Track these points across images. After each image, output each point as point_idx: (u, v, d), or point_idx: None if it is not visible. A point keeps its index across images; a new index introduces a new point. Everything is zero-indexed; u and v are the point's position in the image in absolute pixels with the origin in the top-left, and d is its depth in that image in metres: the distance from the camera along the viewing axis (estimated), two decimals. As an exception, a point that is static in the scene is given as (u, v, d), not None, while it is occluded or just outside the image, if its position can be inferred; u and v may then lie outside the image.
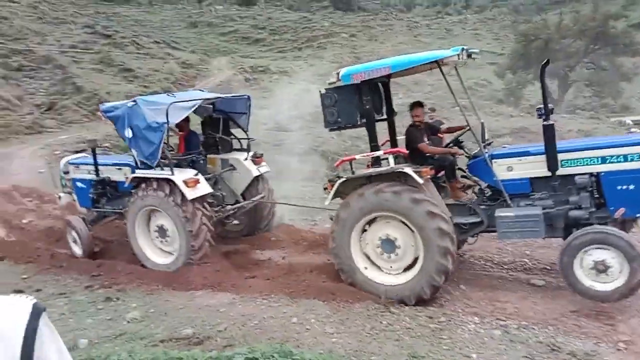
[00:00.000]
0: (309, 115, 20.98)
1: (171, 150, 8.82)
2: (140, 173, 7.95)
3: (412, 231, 6.14)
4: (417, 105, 7.26)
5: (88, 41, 40.03)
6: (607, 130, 21.94)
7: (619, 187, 5.95)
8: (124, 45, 41.50)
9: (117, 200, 8.97)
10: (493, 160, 6.48)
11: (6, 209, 11.81)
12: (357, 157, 6.71)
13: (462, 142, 7.14)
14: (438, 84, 30.13)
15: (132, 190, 8.10)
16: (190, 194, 7.50)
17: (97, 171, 8.96)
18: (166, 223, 7.81)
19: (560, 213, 6.16)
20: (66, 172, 9.65)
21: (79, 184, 9.34)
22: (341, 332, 5.42)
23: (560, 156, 6.15)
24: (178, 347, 5.16)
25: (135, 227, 8.04)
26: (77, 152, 16.08)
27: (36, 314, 1.01)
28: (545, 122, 6.17)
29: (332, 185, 6.62)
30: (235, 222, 8.82)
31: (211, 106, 9.19)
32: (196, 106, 8.05)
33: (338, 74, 6.50)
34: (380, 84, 7.14)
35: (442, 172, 7.07)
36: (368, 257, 6.56)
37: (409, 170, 6.11)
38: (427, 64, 6.32)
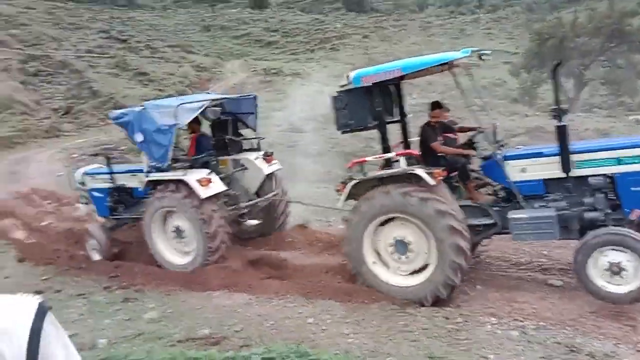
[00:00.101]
0: (322, 117, 21.01)
1: (182, 153, 8.91)
2: (153, 176, 8.04)
3: (425, 234, 6.13)
4: (437, 106, 7.19)
5: (103, 46, 40.51)
6: (624, 129, 21.64)
7: (634, 189, 5.87)
8: (138, 49, 41.93)
9: (134, 206, 9.07)
10: (506, 162, 6.43)
11: (26, 211, 11.99)
12: (368, 159, 6.71)
13: (475, 142, 7.10)
14: (452, 84, 29.98)
15: (148, 194, 8.19)
16: (204, 192, 7.59)
17: (112, 179, 9.08)
18: (182, 224, 7.90)
19: (574, 215, 6.10)
20: (82, 183, 9.76)
21: (95, 194, 9.42)
22: (357, 332, 5.42)
23: (574, 157, 6.08)
24: (195, 347, 5.21)
25: (152, 228, 8.13)
26: (94, 155, 16.27)
27: (42, 312, 1.04)
28: (558, 123, 6.10)
29: (344, 187, 6.63)
30: (252, 222, 8.86)
31: (219, 109, 9.28)
32: (204, 107, 8.14)
33: (349, 76, 6.51)
34: (392, 86, 7.14)
35: (455, 173, 7.03)
36: (380, 259, 6.55)
37: (420, 171, 6.10)
38: (438, 65, 6.30)
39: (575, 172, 6.11)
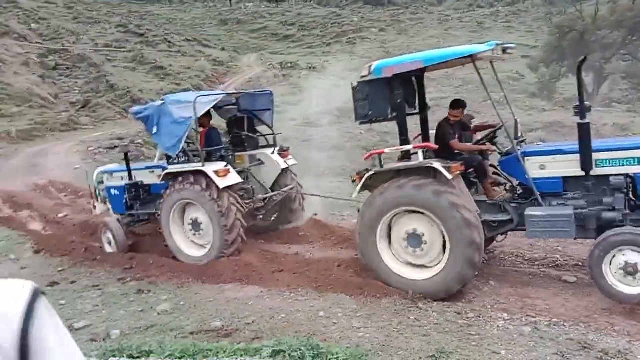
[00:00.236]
0: (338, 111, 21.01)
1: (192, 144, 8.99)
2: (172, 168, 8.11)
3: (438, 227, 6.09)
4: (459, 105, 7.06)
5: (121, 40, 40.90)
6: (644, 124, 21.28)
7: None
8: (156, 43, 42.26)
9: (150, 203, 9.17)
10: (526, 158, 6.33)
11: (43, 203, 12.19)
12: (386, 150, 6.67)
13: (496, 137, 7.02)
14: (469, 78, 29.71)
15: (166, 190, 8.27)
16: (222, 183, 7.67)
17: (130, 175, 9.17)
18: (200, 216, 7.97)
19: (592, 214, 5.98)
20: (100, 182, 9.86)
21: (113, 192, 9.53)
22: (368, 326, 5.41)
23: (595, 156, 5.95)
24: (207, 339, 5.24)
25: (169, 220, 8.22)
26: (112, 148, 16.48)
27: (35, 295, 1.05)
28: (580, 121, 5.97)
29: (361, 178, 6.61)
30: (261, 216, 8.93)
31: (235, 106, 9.34)
32: (219, 99, 8.24)
33: (370, 67, 6.45)
34: (414, 78, 7.08)
35: (471, 170, 6.96)
36: (393, 253, 6.53)
37: (437, 165, 6.04)
38: (460, 58, 6.24)
39: (596, 171, 5.98)
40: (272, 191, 9.11)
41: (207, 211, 7.77)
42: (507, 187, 6.94)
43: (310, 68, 38.49)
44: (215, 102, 8.15)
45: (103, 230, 9.03)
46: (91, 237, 9.53)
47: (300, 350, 4.35)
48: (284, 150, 9.20)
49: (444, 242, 6.12)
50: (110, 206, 9.70)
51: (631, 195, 6.00)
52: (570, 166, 6.11)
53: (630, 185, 5.94)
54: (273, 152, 9.07)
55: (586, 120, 5.95)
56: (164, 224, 8.31)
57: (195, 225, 8.10)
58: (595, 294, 5.94)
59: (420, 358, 4.65)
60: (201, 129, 8.78)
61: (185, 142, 7.90)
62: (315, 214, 9.63)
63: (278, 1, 69.89)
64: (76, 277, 7.75)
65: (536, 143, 7.32)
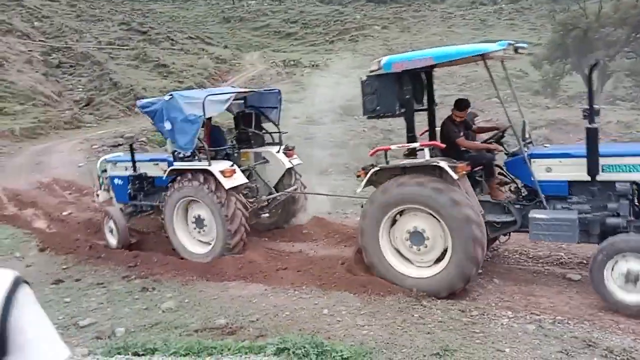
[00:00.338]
0: (341, 109, 20.98)
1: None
2: (178, 165, 8.13)
3: (441, 225, 6.08)
4: (464, 106, 7.02)
5: (124, 38, 40.92)
6: (648, 122, 21.17)
7: None
8: (158, 41, 42.28)
9: (154, 195, 9.21)
10: (532, 160, 6.31)
11: (47, 201, 12.22)
12: (392, 147, 6.66)
13: (503, 137, 7.00)
14: (473, 75, 29.64)
15: (169, 184, 8.29)
16: (227, 183, 7.69)
17: (134, 167, 9.19)
18: (203, 213, 7.99)
19: (596, 219, 5.96)
20: (104, 170, 9.96)
21: (116, 181, 9.61)
22: (372, 324, 5.42)
23: (602, 161, 5.90)
24: (212, 337, 5.26)
25: (173, 219, 8.25)
26: (115, 146, 16.52)
27: (16, 285, 1.05)
28: (589, 125, 5.90)
29: (366, 173, 6.60)
30: (266, 215, 8.94)
31: (243, 102, 9.33)
32: (231, 100, 8.18)
33: (380, 62, 6.43)
34: (423, 74, 7.06)
35: (478, 168, 6.94)
36: (397, 250, 6.53)
37: (444, 164, 6.02)
38: (471, 57, 6.22)
39: (602, 176, 5.95)
40: (276, 190, 9.12)
41: (208, 204, 7.80)
42: (512, 188, 6.91)
43: (313, 66, 38.45)
44: (228, 103, 8.13)
45: (105, 219, 9.07)
46: (95, 235, 9.55)
47: (304, 347, 4.36)
48: (289, 150, 9.19)
49: (446, 239, 6.12)
50: (113, 195, 9.75)
51: (636, 202, 5.97)
52: (576, 170, 6.07)
53: (636, 191, 5.92)
54: (278, 151, 9.07)
55: (595, 125, 5.89)
56: (167, 221, 8.33)
57: (199, 222, 8.11)
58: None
59: (425, 356, 4.66)
60: (205, 128, 8.80)
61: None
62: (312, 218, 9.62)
63: (281, -1, 69.85)
64: (81, 274, 7.77)
65: (543, 145, 7.28)
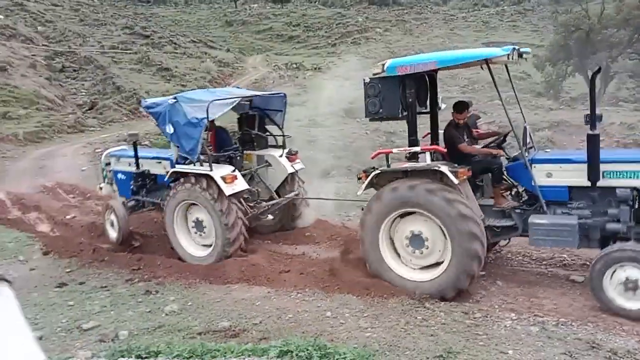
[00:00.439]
0: (343, 111, 21.00)
1: (209, 146, 8.99)
2: (179, 168, 8.14)
3: (442, 231, 6.08)
4: (463, 108, 7.03)
5: (127, 42, 41.02)
6: (652, 123, 21.11)
7: None
8: (161, 45, 42.38)
9: (156, 192, 9.23)
10: (533, 165, 6.32)
11: (51, 205, 12.24)
12: (394, 150, 6.67)
13: (505, 141, 7.00)
14: (475, 78, 29.64)
15: (171, 184, 8.32)
16: (228, 189, 7.67)
17: (137, 164, 9.21)
18: (203, 216, 7.98)
19: (596, 224, 5.97)
20: (107, 164, 10.05)
21: (119, 176, 9.70)
22: (375, 326, 5.42)
23: (603, 167, 5.90)
24: (215, 340, 5.27)
25: (173, 221, 8.26)
26: (120, 142, 16.55)
27: None
28: (590, 132, 5.91)
29: (367, 176, 6.61)
30: (270, 217, 8.94)
31: (248, 103, 9.33)
32: (235, 103, 8.17)
33: (384, 65, 6.46)
34: (426, 77, 7.07)
35: (484, 174, 6.92)
36: (397, 253, 6.52)
37: (445, 168, 6.03)
38: (476, 61, 6.22)
39: (602, 182, 5.95)
40: (278, 194, 9.12)
41: (209, 210, 7.80)
42: (513, 193, 6.90)
43: (315, 69, 38.50)
44: (232, 105, 8.12)
45: (107, 212, 9.11)
46: (99, 238, 9.56)
47: (307, 350, 4.36)
48: (293, 154, 9.17)
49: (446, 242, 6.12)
50: (116, 188, 9.79)
51: (637, 208, 5.96)
52: (577, 176, 6.08)
53: (637, 197, 5.92)
54: (281, 155, 9.05)
55: (596, 132, 5.89)
56: (167, 223, 8.35)
57: (199, 225, 8.12)
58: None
59: (428, 358, 4.66)
60: (209, 132, 8.80)
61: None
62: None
63: (283, 2, 69.96)
64: (84, 278, 7.78)
65: (544, 149, 7.27)
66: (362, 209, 6.77)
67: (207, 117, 7.60)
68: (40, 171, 16.46)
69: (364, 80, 6.69)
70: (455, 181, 5.98)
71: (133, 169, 9.30)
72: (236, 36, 57.91)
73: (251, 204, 8.43)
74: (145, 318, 6.14)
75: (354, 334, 5.26)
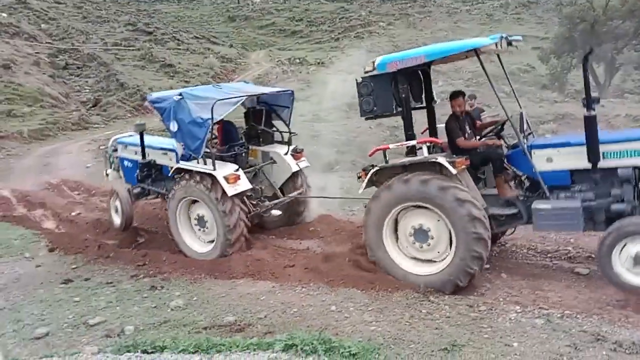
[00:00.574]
0: (347, 106, 20.97)
1: (215, 141, 8.99)
2: (183, 165, 8.15)
3: (444, 222, 6.07)
4: (458, 94, 7.02)
5: (130, 38, 41.08)
6: (657, 115, 21.00)
7: None
8: (164, 41, 42.41)
9: (161, 182, 9.28)
10: (532, 151, 6.29)
11: (56, 202, 12.31)
12: (391, 146, 6.66)
13: (502, 130, 6.97)
14: (479, 71, 29.44)
15: (175, 176, 8.33)
16: (231, 190, 7.66)
17: (143, 154, 9.25)
18: (205, 213, 8.00)
19: (601, 206, 5.95)
20: (114, 150, 10.13)
21: (126, 163, 9.78)
22: (380, 320, 5.42)
23: (602, 148, 5.90)
24: (220, 334, 5.29)
25: (176, 217, 8.28)
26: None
27: None
28: (587, 113, 5.91)
29: (366, 174, 6.61)
30: (276, 212, 8.93)
31: (255, 98, 9.29)
32: (240, 102, 8.16)
33: (374, 62, 6.46)
34: (420, 72, 7.05)
35: (486, 165, 6.90)
36: (400, 248, 6.52)
37: (442, 160, 6.04)
38: (464, 52, 6.20)
39: (603, 163, 5.94)
40: (281, 191, 9.12)
41: (211, 210, 7.81)
42: (515, 181, 6.88)
43: (318, 63, 38.45)
44: (237, 105, 8.09)
45: (112, 198, 9.20)
46: (104, 235, 9.61)
47: (312, 344, 4.37)
48: (298, 152, 9.13)
49: (451, 236, 6.11)
50: (122, 175, 9.87)
51: None
52: (577, 158, 6.06)
53: (639, 176, 5.89)
54: (286, 153, 9.01)
55: (593, 113, 5.89)
56: (171, 219, 8.38)
57: (201, 221, 8.15)
58: (609, 286, 5.90)
59: (432, 351, 4.66)
60: (217, 125, 8.78)
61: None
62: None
63: (285, -3, 69.78)
64: (90, 274, 7.82)
65: (543, 136, 7.25)
66: (365, 206, 6.76)
67: (212, 118, 7.57)
68: (45, 168, 16.54)
69: (356, 80, 6.70)
70: (454, 171, 5.98)
71: (139, 157, 9.33)
72: (239, 32, 57.87)
73: (254, 202, 8.43)
74: (150, 313, 6.17)
75: (358, 328, 5.27)
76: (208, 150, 7.86)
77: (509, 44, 6.03)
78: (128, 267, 7.98)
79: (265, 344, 4.52)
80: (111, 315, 6.18)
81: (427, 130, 7.39)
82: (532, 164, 6.26)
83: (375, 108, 6.62)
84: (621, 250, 5.55)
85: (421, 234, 6.28)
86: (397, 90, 6.49)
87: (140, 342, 4.74)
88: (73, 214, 11.19)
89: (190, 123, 7.75)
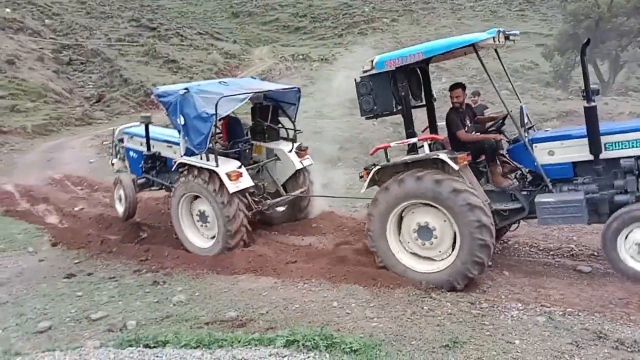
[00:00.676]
0: (350, 103, 20.91)
1: (219, 136, 8.98)
2: (186, 159, 8.16)
3: (446, 216, 6.06)
4: (456, 86, 7.02)
5: (134, 34, 41.09)
6: (661, 112, 20.92)
7: None
8: (168, 37, 42.41)
9: (165, 174, 9.31)
10: (533, 145, 6.29)
11: (59, 197, 12.34)
12: (392, 144, 6.65)
13: (504, 124, 6.96)
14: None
15: (180, 170, 8.35)
16: (232, 187, 7.66)
17: (148, 146, 9.27)
18: (206, 209, 8.02)
19: (604, 198, 5.95)
20: (120, 140, 10.17)
21: (131, 153, 9.83)
22: (382, 316, 5.42)
23: (604, 139, 5.90)
24: (222, 329, 5.30)
25: (178, 212, 8.30)
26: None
27: None
28: (587, 104, 5.93)
29: (368, 173, 6.60)
30: (281, 208, 8.92)
31: (262, 92, 9.28)
32: (246, 100, 8.15)
33: (372, 61, 6.44)
34: (418, 70, 7.04)
35: (482, 157, 6.89)
36: (405, 247, 6.51)
37: (444, 156, 6.02)
38: (462, 47, 6.18)
39: (605, 154, 5.95)
40: (284, 188, 9.11)
41: (211, 202, 7.82)
42: (517, 175, 6.87)
43: (322, 60, 38.38)
44: (243, 102, 8.08)
45: (117, 187, 9.25)
46: (107, 230, 9.64)
47: (313, 339, 4.38)
48: (302, 150, 9.12)
49: (455, 238, 6.09)
50: (127, 164, 9.93)
51: None
52: (579, 151, 6.07)
53: None
54: (291, 150, 9.00)
55: (593, 104, 5.90)
56: (173, 214, 8.40)
57: (202, 217, 8.16)
58: (611, 283, 5.91)
59: (434, 348, 4.66)
60: (221, 121, 8.78)
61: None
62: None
63: (289, -7, 69.63)
64: (93, 269, 7.84)
65: (544, 129, 7.24)
66: (368, 206, 6.75)
67: (216, 114, 7.57)
68: (49, 163, 16.58)
69: (355, 79, 6.69)
70: (455, 167, 5.97)
71: (144, 149, 9.36)
72: (242, 27, 57.84)
73: (256, 199, 8.43)
74: (153, 308, 6.18)
75: (360, 324, 5.27)
76: (211, 146, 7.87)
77: (507, 38, 6.02)
78: (130, 262, 8.01)
79: (267, 340, 4.54)
80: (113, 309, 6.20)
81: (428, 129, 7.37)
82: (533, 158, 6.25)
83: (375, 107, 6.62)
84: (627, 235, 5.55)
85: (425, 232, 6.25)
86: (397, 89, 6.48)
87: (143, 336, 4.77)
88: (76, 209, 11.22)
89: (195, 118, 7.75)
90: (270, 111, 9.30)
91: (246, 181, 7.91)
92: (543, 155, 6.25)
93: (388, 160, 6.50)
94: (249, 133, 9.42)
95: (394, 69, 6.35)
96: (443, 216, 6.09)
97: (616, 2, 32.17)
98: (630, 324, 5.02)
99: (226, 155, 8.31)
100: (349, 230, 8.68)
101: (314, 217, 9.39)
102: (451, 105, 6.93)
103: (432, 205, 6.13)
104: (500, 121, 6.90)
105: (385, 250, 6.45)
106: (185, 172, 8.17)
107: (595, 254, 6.98)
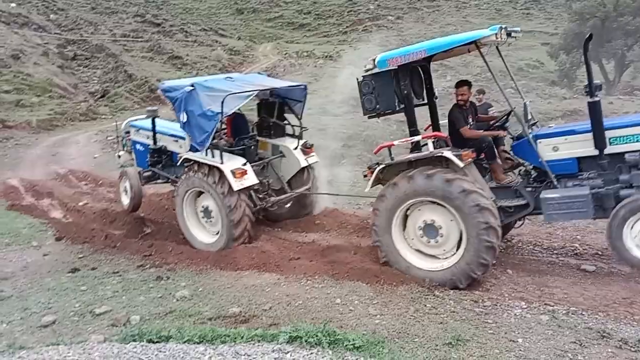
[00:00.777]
0: (354, 100, 20.87)
1: (224, 130, 8.98)
2: (191, 155, 8.16)
3: (453, 215, 6.04)
4: (462, 83, 6.99)
5: (138, 30, 41.12)
6: (667, 112, 20.83)
7: None
8: (172, 33, 42.43)
9: (171, 168, 9.34)
10: (538, 141, 6.28)
11: (63, 192, 12.39)
12: (395, 143, 6.63)
13: (507, 121, 6.95)
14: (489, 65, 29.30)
15: (185, 164, 8.36)
16: (237, 184, 7.65)
17: (154, 139, 9.29)
18: (210, 205, 8.03)
19: (609, 192, 5.94)
20: (127, 132, 10.23)
21: (138, 146, 9.88)
22: (384, 313, 5.43)
23: (608, 133, 5.90)
24: (225, 325, 5.32)
25: (183, 207, 8.32)
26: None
27: None
28: (590, 100, 5.91)
29: (372, 172, 6.59)
30: (286, 205, 8.92)
31: (268, 89, 9.26)
32: (251, 97, 8.14)
33: (374, 60, 6.42)
34: (419, 68, 7.01)
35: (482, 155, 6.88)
36: (409, 243, 6.50)
37: (448, 154, 6.01)
38: (464, 45, 6.15)
39: (610, 149, 5.94)
40: (289, 185, 9.10)
41: (217, 203, 7.82)
42: (522, 171, 6.85)
43: (326, 57, 38.32)
44: (248, 99, 8.05)
45: (122, 179, 9.33)
46: (111, 225, 9.66)
47: (316, 336, 4.39)
48: (308, 148, 9.09)
49: (461, 237, 6.08)
50: (134, 157, 9.99)
51: None
52: (583, 146, 6.07)
53: None
54: (296, 147, 8.97)
55: (596, 99, 5.89)
56: (177, 209, 8.41)
57: (207, 213, 8.17)
58: (615, 283, 5.90)
59: (437, 345, 4.67)
60: (227, 117, 8.77)
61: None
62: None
63: (294, -10, 69.51)
64: (97, 263, 7.87)
65: (548, 126, 7.21)
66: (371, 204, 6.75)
67: (222, 113, 7.55)
68: (53, 158, 16.64)
69: (357, 79, 6.67)
70: (460, 164, 5.95)
71: (151, 142, 9.39)
72: (247, 24, 57.80)
73: (260, 195, 8.43)
74: (156, 303, 6.20)
75: (363, 321, 5.28)
76: (216, 142, 7.87)
77: (509, 34, 6.00)
78: (134, 257, 8.03)
79: (270, 336, 4.55)
80: (117, 304, 6.23)
81: (430, 127, 7.36)
82: (538, 154, 6.24)
83: (377, 106, 6.62)
84: (633, 225, 5.55)
85: (431, 230, 6.24)
86: (399, 87, 6.46)
87: (146, 331, 4.78)
88: (80, 203, 11.25)
89: (200, 115, 7.73)
90: (276, 107, 9.28)
91: (251, 178, 7.91)
92: (547, 151, 6.25)
93: (392, 159, 6.48)
94: (254, 129, 9.41)
95: (396, 67, 6.33)
96: (450, 215, 6.06)
97: (622, 1, 32.02)
98: (633, 323, 5.02)
99: (231, 152, 8.30)
100: (353, 228, 8.68)
101: (318, 214, 9.39)
102: (455, 102, 6.92)
103: (439, 204, 6.11)
104: (505, 118, 6.89)
105: (389, 245, 6.45)
106: (190, 168, 8.17)
107: (600, 253, 6.97)
